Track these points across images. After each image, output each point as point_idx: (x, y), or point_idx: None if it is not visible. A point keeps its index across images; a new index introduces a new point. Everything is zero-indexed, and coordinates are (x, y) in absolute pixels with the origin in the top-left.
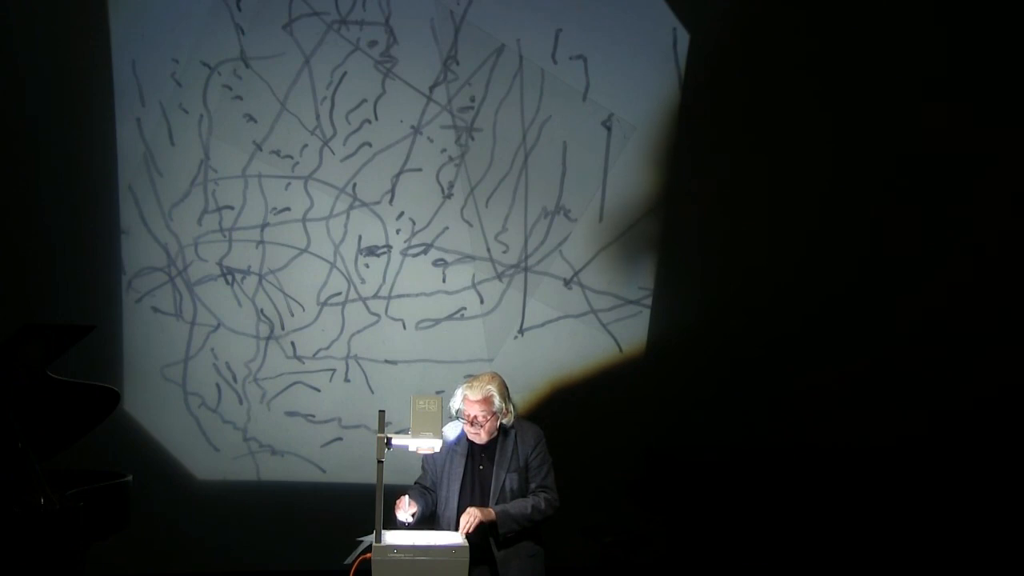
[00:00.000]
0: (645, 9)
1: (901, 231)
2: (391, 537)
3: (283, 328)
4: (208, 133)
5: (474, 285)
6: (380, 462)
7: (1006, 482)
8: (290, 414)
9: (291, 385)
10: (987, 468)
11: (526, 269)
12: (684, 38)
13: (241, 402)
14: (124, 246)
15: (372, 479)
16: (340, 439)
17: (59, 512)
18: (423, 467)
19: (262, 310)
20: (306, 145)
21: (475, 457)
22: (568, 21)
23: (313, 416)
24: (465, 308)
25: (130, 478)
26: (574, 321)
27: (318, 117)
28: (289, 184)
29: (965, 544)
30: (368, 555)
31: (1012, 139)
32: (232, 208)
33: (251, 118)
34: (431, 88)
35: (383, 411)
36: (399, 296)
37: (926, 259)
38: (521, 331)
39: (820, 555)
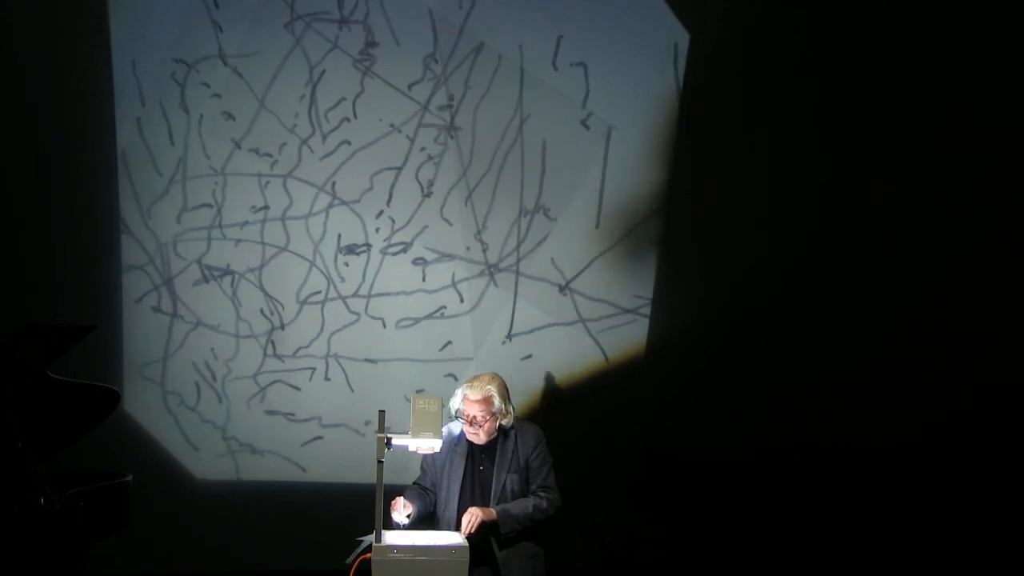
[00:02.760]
0: (645, 10)
1: (901, 231)
2: (391, 537)
3: (262, 327)
4: (187, 131)
5: (454, 284)
6: (380, 462)
7: (1006, 482)
8: (270, 413)
9: (271, 384)
10: (988, 468)
11: (515, 270)
12: (684, 40)
13: (220, 401)
14: (124, 253)
15: (352, 478)
16: (320, 438)
17: (59, 512)
18: (422, 467)
19: (240, 309)
20: (285, 143)
21: (475, 458)
22: (568, 24)
23: (293, 415)
24: (445, 307)
25: (130, 478)
26: (572, 326)
27: (297, 115)
28: (268, 182)
29: (966, 544)
30: (368, 555)
31: (1012, 139)
32: (211, 206)
33: (230, 116)
34: (410, 86)
35: (383, 411)
36: (379, 295)
37: (926, 259)
38: (509, 336)
39: (820, 556)
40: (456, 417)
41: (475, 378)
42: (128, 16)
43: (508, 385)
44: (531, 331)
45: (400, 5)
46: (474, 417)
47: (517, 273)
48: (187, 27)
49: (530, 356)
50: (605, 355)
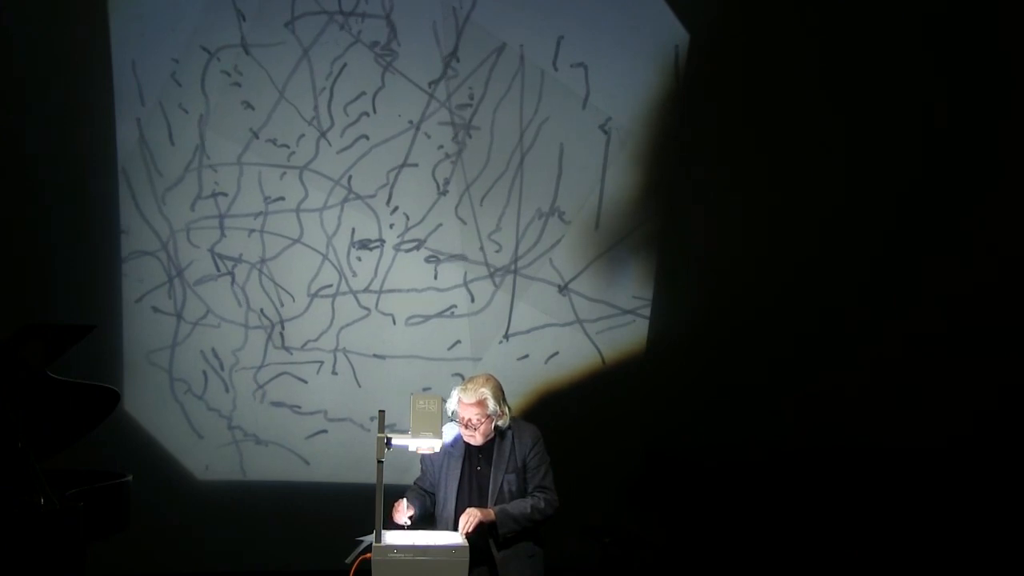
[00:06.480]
0: (645, 10)
1: (902, 231)
2: (391, 537)
3: (272, 318)
4: (205, 119)
5: (465, 283)
6: (380, 462)
7: (1007, 484)
8: (276, 404)
9: (278, 375)
10: (988, 470)
11: (515, 272)
12: (684, 40)
13: (227, 390)
14: (124, 246)
15: (356, 473)
16: (325, 431)
17: (59, 512)
18: (422, 468)
19: (251, 299)
20: (303, 135)
21: (472, 458)
22: (568, 24)
23: (299, 407)
24: (455, 306)
25: (130, 478)
26: (570, 326)
27: (316, 108)
28: (284, 174)
29: (968, 547)
30: (368, 555)
31: (1014, 138)
32: (226, 195)
33: (249, 105)
34: (431, 84)
35: (383, 411)
36: (390, 291)
37: (928, 260)
38: (506, 336)
39: (819, 557)
40: (452, 419)
41: (469, 380)
42: (128, 16)
43: (504, 385)
44: (529, 331)
45: (423, 3)
46: (469, 420)
47: (515, 273)
48: (210, 14)
49: (527, 356)
50: (602, 356)
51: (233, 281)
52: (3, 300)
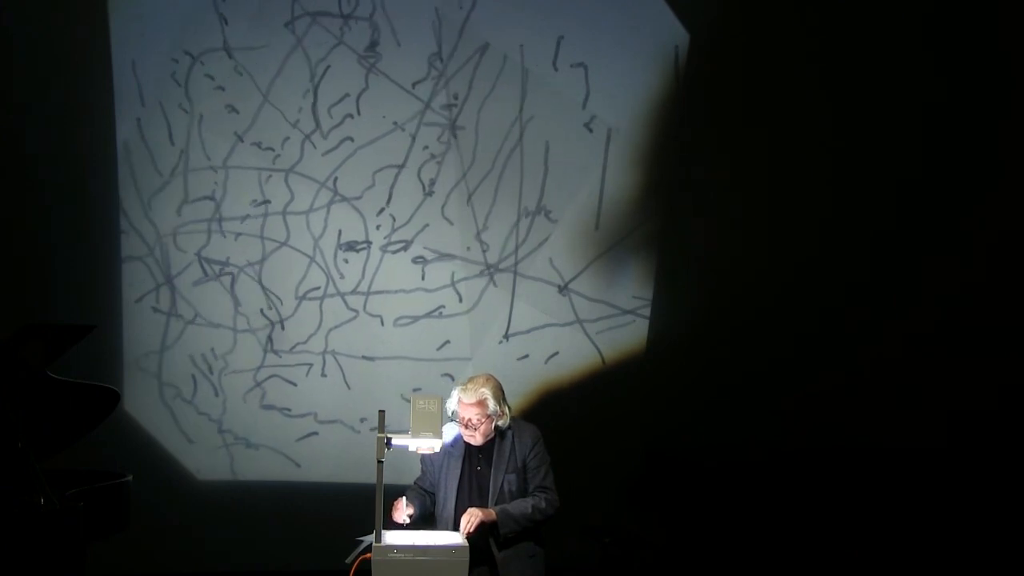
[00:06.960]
0: (645, 10)
1: (902, 231)
2: (391, 537)
3: (261, 321)
4: (190, 123)
5: (453, 283)
6: (380, 462)
7: (1013, 483)
8: (266, 408)
9: (267, 379)
10: (987, 471)
11: (509, 271)
12: (684, 40)
13: (217, 394)
14: (124, 246)
15: (349, 474)
16: (316, 434)
17: (59, 512)
18: (422, 468)
19: (239, 303)
20: (288, 138)
21: (472, 458)
22: (568, 25)
23: (289, 410)
24: (444, 306)
25: (130, 478)
26: (570, 326)
27: (300, 110)
28: (270, 177)
29: (967, 547)
30: (368, 555)
31: (1015, 136)
32: (212, 199)
33: (233, 109)
34: (414, 84)
35: (383, 411)
36: (378, 292)
37: (928, 260)
38: (506, 336)
39: (819, 557)
40: (452, 419)
41: (469, 380)
42: (128, 16)
43: (504, 385)
44: (529, 331)
45: (406, 3)
46: (469, 420)
47: (515, 273)
48: (193, 19)
49: (527, 356)
50: (602, 356)
51: (222, 285)
52: (3, 300)
